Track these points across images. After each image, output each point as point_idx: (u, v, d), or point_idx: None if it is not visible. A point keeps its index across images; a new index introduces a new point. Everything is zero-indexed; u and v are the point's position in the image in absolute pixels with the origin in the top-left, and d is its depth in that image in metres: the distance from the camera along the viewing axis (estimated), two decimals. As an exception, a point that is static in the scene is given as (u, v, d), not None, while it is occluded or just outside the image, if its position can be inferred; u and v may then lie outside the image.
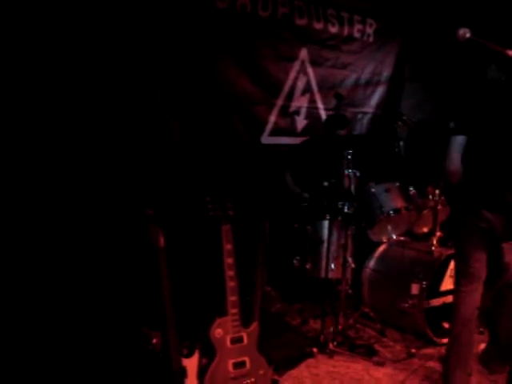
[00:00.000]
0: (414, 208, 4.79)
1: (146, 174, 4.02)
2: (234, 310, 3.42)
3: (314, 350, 4.34)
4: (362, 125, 6.35)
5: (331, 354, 4.35)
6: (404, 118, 5.06)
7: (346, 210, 4.56)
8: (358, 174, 4.66)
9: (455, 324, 3.63)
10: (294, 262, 4.98)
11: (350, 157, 4.60)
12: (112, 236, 3.82)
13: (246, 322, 3.47)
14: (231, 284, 3.43)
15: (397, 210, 4.75)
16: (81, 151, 3.84)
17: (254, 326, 3.49)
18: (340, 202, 4.65)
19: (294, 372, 4.11)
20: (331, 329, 4.59)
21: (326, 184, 4.71)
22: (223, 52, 5.02)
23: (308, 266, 4.89)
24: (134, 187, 3.89)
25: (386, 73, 6.49)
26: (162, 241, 3.18)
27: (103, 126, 4.01)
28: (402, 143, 6.36)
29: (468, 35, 2.71)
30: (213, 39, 4.92)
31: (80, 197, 3.80)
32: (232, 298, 3.42)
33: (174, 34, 4.66)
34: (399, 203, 4.80)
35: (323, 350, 4.40)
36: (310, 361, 4.29)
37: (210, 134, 4.85)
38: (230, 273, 3.43)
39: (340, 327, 4.60)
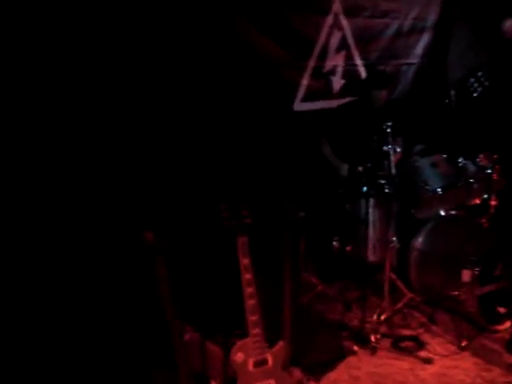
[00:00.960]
0: (464, 183, 4.26)
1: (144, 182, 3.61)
2: (256, 331, 3.08)
3: (355, 348, 4.01)
4: (406, 78, 5.78)
5: (374, 351, 4.02)
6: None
7: (386, 190, 4.07)
8: (398, 149, 4.13)
9: None
10: (334, 243, 4.55)
11: (389, 130, 4.06)
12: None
13: (272, 340, 3.13)
14: (251, 302, 3.09)
15: (445, 188, 4.24)
16: (79, 154, 3.46)
17: (280, 345, 3.15)
18: (380, 180, 4.16)
19: (332, 375, 3.79)
20: (374, 317, 4.20)
21: (360, 169, 4.20)
22: (241, 13, 4.47)
23: (348, 248, 4.47)
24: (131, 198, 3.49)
25: (431, 16, 5.86)
26: (162, 270, 2.80)
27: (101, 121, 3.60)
28: (453, 92, 5.78)
29: None
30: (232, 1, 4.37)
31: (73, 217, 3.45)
32: (252, 318, 3.08)
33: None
34: (448, 179, 4.28)
35: (365, 345, 4.06)
36: (351, 359, 3.98)
37: (233, 108, 4.38)
38: (249, 290, 3.09)
39: (384, 316, 4.21)
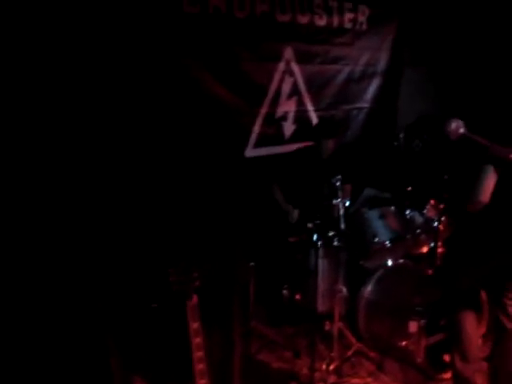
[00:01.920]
0: (412, 235, 4.34)
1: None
2: (205, 395, 3.04)
3: (304, 400, 3.99)
4: (357, 122, 5.85)
5: (323, 402, 4.00)
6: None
7: (335, 243, 4.12)
8: (347, 203, 4.18)
9: None
10: (284, 291, 4.57)
11: (338, 183, 4.11)
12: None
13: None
14: (200, 366, 3.04)
15: (393, 240, 4.31)
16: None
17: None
18: (330, 233, 4.21)
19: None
20: (324, 366, 4.22)
21: (310, 226, 4.24)
22: (196, 60, 4.51)
23: (298, 297, 4.49)
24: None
25: (382, 61, 5.97)
26: (110, 340, 2.77)
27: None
28: (402, 136, 5.91)
29: (462, 130, 2.20)
30: (186, 48, 4.41)
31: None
32: (201, 382, 3.04)
33: (140, 45, 4.15)
34: (396, 231, 4.35)
35: (314, 397, 4.04)
36: (299, 414, 3.94)
37: (182, 156, 4.38)
38: (199, 354, 3.04)
39: (333, 365, 4.22)
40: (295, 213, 4.81)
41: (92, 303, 2.98)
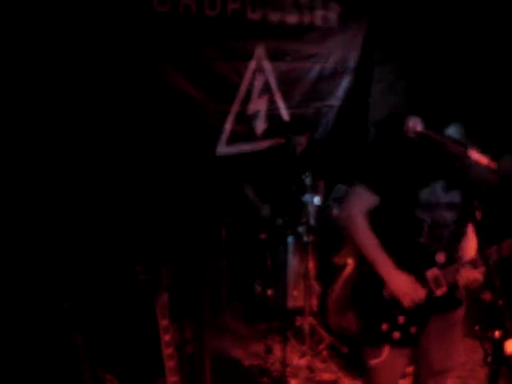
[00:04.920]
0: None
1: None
2: (175, 391, 3.07)
3: (275, 396, 4.03)
4: (328, 119, 5.88)
5: (294, 397, 4.04)
6: None
7: (305, 239, 4.17)
8: (316, 200, 4.23)
9: None
10: (256, 286, 4.61)
11: (308, 180, 4.15)
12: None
13: None
14: (170, 364, 3.07)
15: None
16: None
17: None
18: (300, 229, 4.25)
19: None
20: (295, 361, 4.26)
21: (280, 222, 4.28)
22: (167, 60, 4.56)
23: (269, 293, 4.54)
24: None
25: (352, 59, 6.00)
26: (79, 340, 2.79)
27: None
28: (373, 132, 5.97)
29: (419, 128, 2.25)
30: (155, 47, 4.42)
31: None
32: (172, 379, 3.07)
33: (111, 44, 4.16)
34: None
35: (286, 392, 4.09)
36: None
37: (154, 154, 4.40)
38: (168, 351, 3.06)
39: (305, 360, 4.27)
40: (266, 209, 4.84)
41: (61, 299, 2.99)
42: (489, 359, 1.75)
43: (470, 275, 2.75)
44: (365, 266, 2.78)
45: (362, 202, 2.74)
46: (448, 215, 2.77)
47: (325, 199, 4.92)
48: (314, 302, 4.46)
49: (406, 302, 2.71)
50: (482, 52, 5.69)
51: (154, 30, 4.40)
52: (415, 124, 2.22)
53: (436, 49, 6.06)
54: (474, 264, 2.71)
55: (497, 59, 5.52)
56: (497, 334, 1.67)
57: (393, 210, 2.71)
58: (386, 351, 3.53)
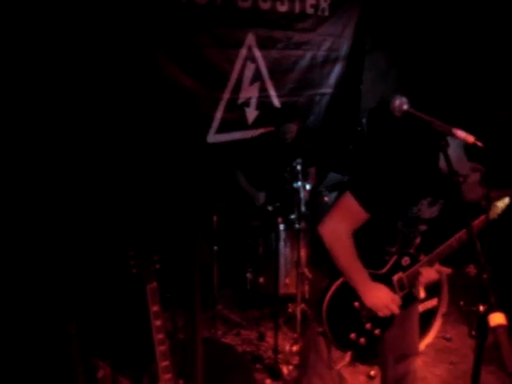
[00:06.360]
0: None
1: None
2: (167, 376, 3.09)
3: (267, 382, 4.05)
4: (320, 107, 5.90)
5: (286, 384, 4.07)
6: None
7: (296, 226, 4.18)
8: (307, 186, 4.24)
9: None
10: (248, 274, 4.63)
11: (299, 167, 4.16)
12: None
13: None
14: (161, 348, 3.08)
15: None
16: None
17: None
18: (291, 216, 4.27)
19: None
20: (287, 348, 4.29)
21: (270, 208, 4.29)
22: (159, 47, 4.56)
23: (261, 280, 4.57)
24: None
25: (344, 47, 6.02)
26: (72, 327, 2.79)
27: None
28: (364, 121, 5.99)
29: (406, 107, 2.25)
30: (147, 34, 4.43)
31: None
32: (164, 364, 3.08)
33: (101, 31, 4.16)
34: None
35: (278, 378, 4.10)
36: (262, 397, 4.00)
37: (146, 141, 4.40)
38: (160, 336, 3.08)
39: (296, 347, 4.29)
40: (261, 196, 4.85)
41: (52, 288, 2.99)
42: (473, 333, 1.78)
43: (430, 274, 2.83)
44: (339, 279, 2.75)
45: (352, 219, 2.63)
46: (422, 227, 2.82)
47: (316, 186, 4.95)
48: (306, 288, 4.45)
49: (383, 313, 2.75)
50: (473, 42, 5.71)
51: (146, 18, 4.38)
52: (401, 103, 2.23)
53: (427, 37, 6.08)
54: (430, 262, 2.81)
55: (487, 50, 5.54)
56: (481, 308, 1.69)
57: (377, 222, 2.67)
58: (350, 355, 3.62)
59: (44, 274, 3.29)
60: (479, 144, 1.97)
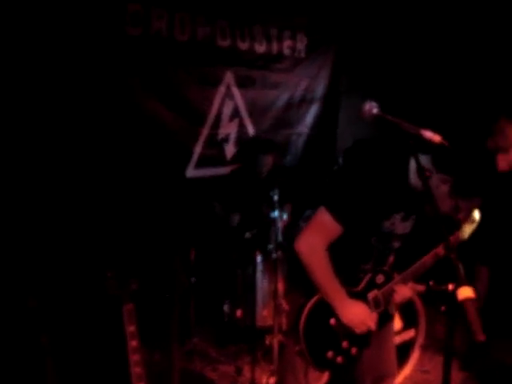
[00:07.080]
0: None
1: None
2: (142, 399, 3.05)
3: (245, 414, 4.01)
4: (297, 146, 5.99)
5: (263, 417, 4.02)
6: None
7: (274, 256, 4.20)
8: (285, 216, 4.28)
9: None
10: (224, 307, 4.61)
11: (276, 197, 4.21)
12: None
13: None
14: (136, 370, 3.06)
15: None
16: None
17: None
18: (269, 246, 4.29)
19: None
20: (264, 381, 4.25)
21: (248, 236, 4.33)
22: (138, 80, 4.62)
23: (238, 313, 4.55)
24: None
25: (320, 88, 6.16)
26: (45, 340, 2.78)
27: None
28: (340, 160, 6.07)
29: (375, 111, 2.34)
30: (127, 68, 4.53)
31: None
32: (138, 386, 3.05)
33: (83, 64, 4.25)
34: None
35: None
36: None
37: (125, 173, 4.44)
38: (135, 357, 3.06)
39: (273, 379, 4.25)
40: (235, 218, 4.87)
41: (27, 302, 2.98)
42: (442, 308, 1.82)
43: (404, 292, 2.87)
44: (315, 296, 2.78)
45: (327, 233, 2.67)
46: (396, 244, 2.87)
47: (292, 223, 4.99)
48: (283, 320, 4.44)
49: (360, 329, 2.78)
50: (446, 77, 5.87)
51: (127, 52, 4.49)
52: (371, 107, 2.31)
53: (402, 78, 6.23)
54: (404, 280, 2.84)
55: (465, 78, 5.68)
56: (450, 286, 1.74)
57: (351, 236, 2.72)
58: (327, 375, 3.62)
59: (19, 285, 3.26)
60: (445, 143, 2.05)
